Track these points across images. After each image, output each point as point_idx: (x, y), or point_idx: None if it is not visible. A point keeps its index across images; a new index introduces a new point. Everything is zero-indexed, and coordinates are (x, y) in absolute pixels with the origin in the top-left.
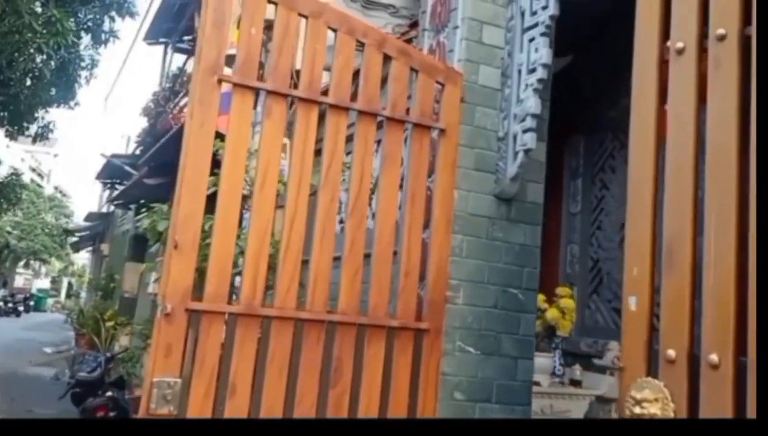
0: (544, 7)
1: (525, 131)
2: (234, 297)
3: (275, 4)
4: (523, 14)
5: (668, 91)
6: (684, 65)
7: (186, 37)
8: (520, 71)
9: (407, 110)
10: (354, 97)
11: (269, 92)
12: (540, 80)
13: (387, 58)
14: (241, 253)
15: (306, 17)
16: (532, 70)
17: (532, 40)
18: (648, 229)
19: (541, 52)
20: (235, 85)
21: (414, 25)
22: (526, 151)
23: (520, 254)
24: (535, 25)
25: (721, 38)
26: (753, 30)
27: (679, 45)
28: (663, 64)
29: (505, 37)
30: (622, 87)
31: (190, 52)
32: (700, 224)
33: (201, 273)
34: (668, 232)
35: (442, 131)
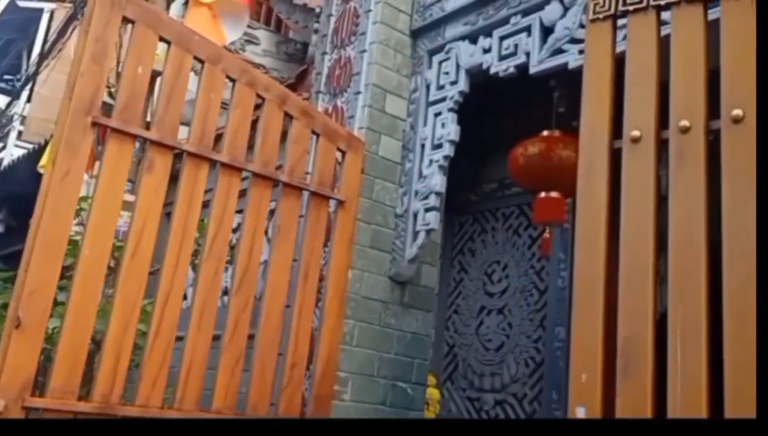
0: (453, 82)
1: (428, 210)
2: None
3: (168, 42)
4: (428, 87)
5: (623, 182)
6: (640, 155)
7: (7, 77)
8: (423, 145)
9: (306, 176)
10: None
11: (153, 142)
12: (446, 157)
13: (288, 117)
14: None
15: (202, 62)
16: (438, 146)
17: (438, 114)
18: (598, 331)
19: (449, 128)
20: (112, 130)
21: (290, 88)
22: (428, 232)
23: (412, 343)
24: (443, 99)
25: (685, 130)
26: (721, 124)
27: (635, 133)
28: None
29: (408, 108)
30: (485, 172)
31: (10, 93)
32: (661, 329)
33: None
34: (623, 336)
35: (341, 203)
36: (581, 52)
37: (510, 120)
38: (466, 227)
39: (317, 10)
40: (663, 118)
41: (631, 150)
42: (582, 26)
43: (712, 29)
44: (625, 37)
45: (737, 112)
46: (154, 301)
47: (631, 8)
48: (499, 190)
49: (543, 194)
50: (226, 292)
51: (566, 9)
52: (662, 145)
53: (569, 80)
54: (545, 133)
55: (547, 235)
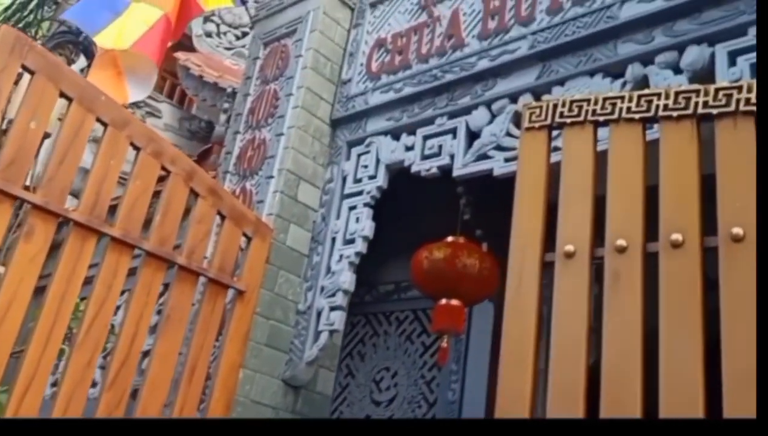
0: (372, 177)
1: (333, 309)
2: None
3: (69, 99)
4: (345, 179)
5: (554, 297)
6: (574, 271)
7: None
8: (334, 239)
9: (205, 261)
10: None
11: (35, 206)
12: (358, 254)
13: (193, 195)
14: None
15: (106, 124)
16: (350, 241)
17: (353, 208)
18: None
19: (363, 224)
20: None
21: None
22: (332, 333)
23: None
24: (359, 193)
25: (621, 250)
26: (658, 247)
27: (569, 248)
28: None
29: (321, 199)
30: (382, 272)
31: None
32: None
33: None
34: None
35: (240, 293)
36: (507, 160)
37: (412, 221)
38: (358, 328)
39: (229, 89)
40: (599, 234)
41: (564, 265)
42: (510, 134)
43: (651, 149)
44: (559, 148)
45: (676, 236)
46: (10, 389)
47: (568, 121)
48: (396, 292)
49: (444, 301)
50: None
51: (494, 116)
52: (597, 263)
53: (477, 188)
54: (450, 238)
55: (444, 344)
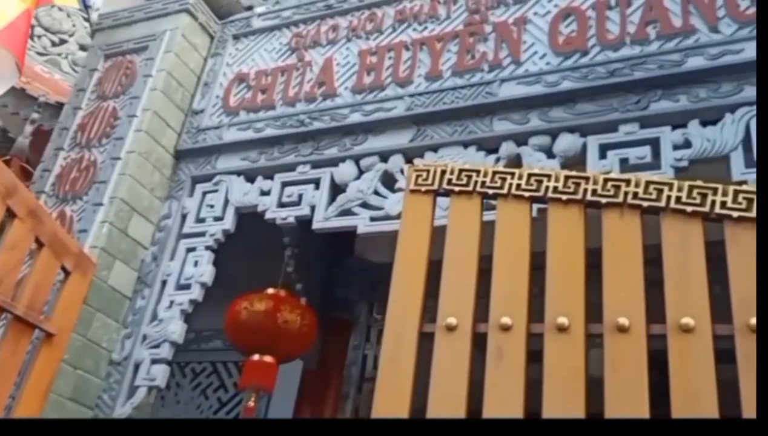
0: (218, 219)
1: (156, 362)
2: None
3: None
4: (185, 217)
5: (433, 370)
6: (455, 344)
7: None
8: (165, 282)
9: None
10: None
11: None
12: (192, 301)
13: (9, 215)
14: None
15: None
16: (185, 287)
17: (192, 250)
18: None
19: (203, 269)
20: None
21: None
22: (150, 389)
23: None
24: (201, 234)
25: (506, 328)
26: (544, 328)
27: (451, 321)
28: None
29: (154, 236)
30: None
31: None
32: None
33: None
34: None
35: (48, 336)
36: (374, 219)
37: (225, 266)
38: None
39: (41, 99)
40: (483, 307)
41: (445, 338)
42: (377, 193)
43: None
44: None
45: (562, 320)
46: None
47: (456, 188)
48: (196, 341)
49: (256, 357)
50: None
51: (361, 172)
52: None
53: (303, 241)
54: (271, 290)
55: (251, 403)
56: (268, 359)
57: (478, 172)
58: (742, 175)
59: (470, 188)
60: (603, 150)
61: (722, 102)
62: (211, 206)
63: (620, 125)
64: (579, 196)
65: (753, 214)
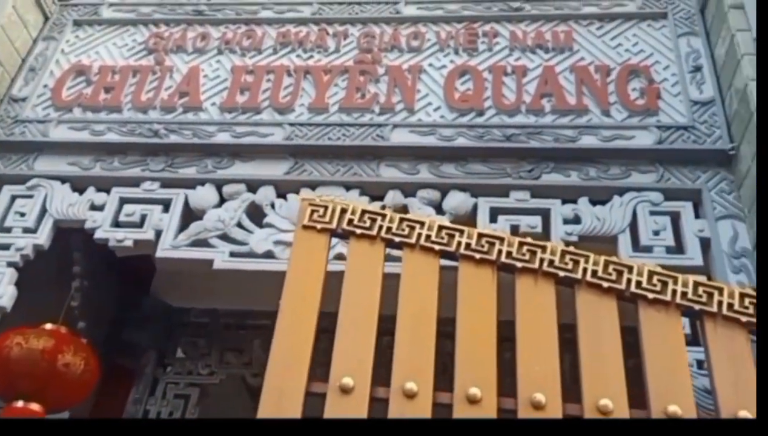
0: (29, 231)
1: None
2: None
3: None
4: None
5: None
6: (349, 408)
7: None
8: None
9: None
10: None
11: None
12: None
13: None
14: None
15: None
16: None
17: None
18: None
19: (3, 289)
20: None
21: None
22: None
23: None
24: (4, 247)
25: (411, 395)
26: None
27: (347, 381)
28: None
29: None
30: None
31: None
32: None
33: None
34: None
35: None
36: (234, 254)
37: None
38: None
39: None
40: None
41: (338, 401)
42: (241, 226)
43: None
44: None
45: (474, 391)
46: None
47: (357, 231)
48: None
49: (19, 404)
50: None
51: (223, 200)
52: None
53: (97, 271)
54: (50, 326)
55: None
56: (34, 407)
57: (383, 216)
58: (630, 257)
59: (373, 233)
60: (494, 213)
61: (611, 183)
62: (22, 215)
63: (512, 191)
64: (493, 257)
65: (668, 296)
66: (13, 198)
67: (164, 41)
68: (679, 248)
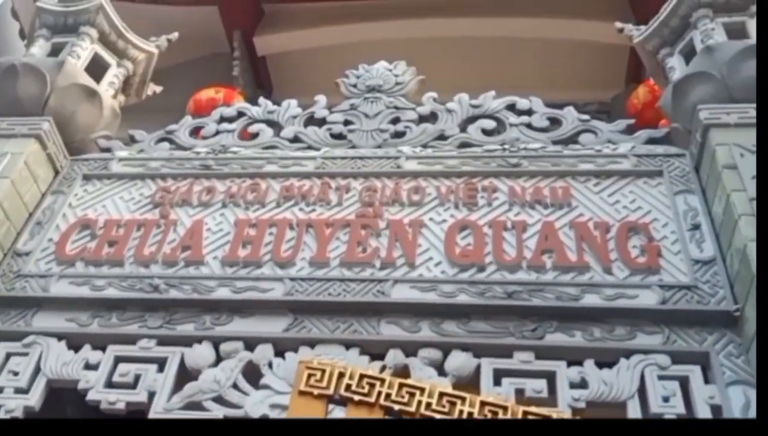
0: (21, 391)
1: None
2: None
3: None
4: None
5: None
6: None
7: None
8: None
9: None
10: None
11: None
12: None
13: None
14: None
15: None
16: None
17: None
18: None
19: None
20: None
21: None
22: None
23: None
24: None
25: None
26: None
27: None
28: None
29: None
30: None
31: None
32: None
33: None
34: None
35: None
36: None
37: None
38: None
39: None
40: None
41: None
42: (237, 387)
43: None
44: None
45: None
46: None
47: (355, 397)
48: None
49: None
50: None
51: (220, 358)
52: None
53: None
54: None
55: None
56: None
57: (382, 381)
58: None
59: (372, 399)
60: (498, 376)
61: (617, 345)
62: (15, 374)
63: (516, 352)
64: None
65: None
66: (8, 356)
67: (170, 195)
68: (690, 416)
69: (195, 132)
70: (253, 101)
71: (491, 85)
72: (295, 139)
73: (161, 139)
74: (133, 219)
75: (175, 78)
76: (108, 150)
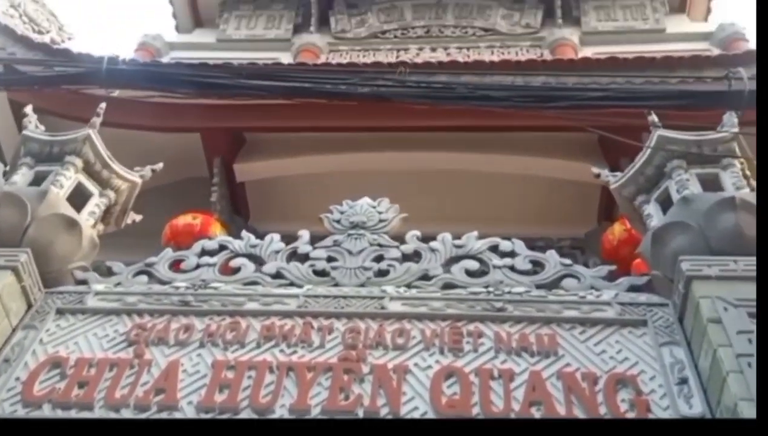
0: None
1: None
2: None
3: None
4: None
5: None
6: None
7: None
8: None
9: None
10: None
11: None
12: None
13: None
14: None
15: None
16: None
17: None
18: None
19: None
20: None
21: None
22: None
23: None
24: None
25: None
26: None
27: None
28: None
29: None
30: None
31: None
32: None
33: None
34: None
35: None
36: None
37: None
38: None
39: None
40: None
41: None
42: None
43: None
44: None
45: None
46: None
47: None
48: None
49: None
50: None
51: None
52: None
53: None
54: None
55: None
56: None
57: None
58: None
59: None
60: None
61: None
62: None
63: None
64: None
65: None
66: None
67: (146, 332)
68: None
69: (175, 265)
70: (230, 227)
71: (469, 217)
72: (278, 275)
73: (139, 272)
74: (106, 358)
75: (152, 201)
76: (84, 282)
